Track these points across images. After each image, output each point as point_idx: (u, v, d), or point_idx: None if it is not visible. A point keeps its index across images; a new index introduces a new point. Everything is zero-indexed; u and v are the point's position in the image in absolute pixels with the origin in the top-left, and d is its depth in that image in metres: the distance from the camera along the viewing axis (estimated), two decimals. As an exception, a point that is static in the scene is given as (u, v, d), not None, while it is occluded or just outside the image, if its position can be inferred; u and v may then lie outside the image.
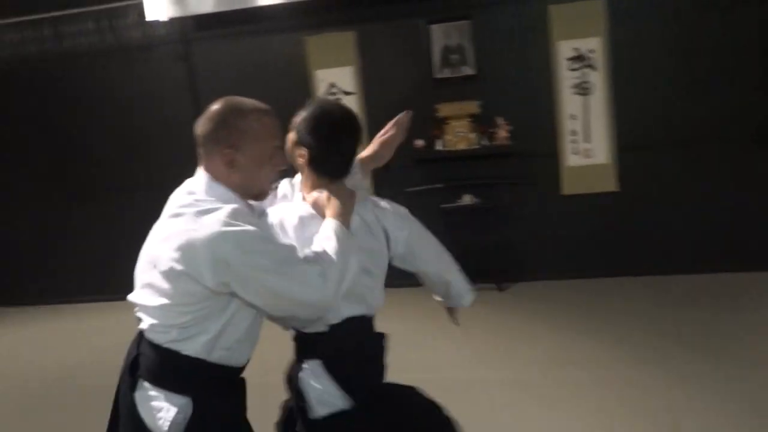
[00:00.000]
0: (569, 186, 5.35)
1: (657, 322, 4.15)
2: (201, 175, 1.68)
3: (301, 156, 1.82)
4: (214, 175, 1.66)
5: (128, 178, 5.89)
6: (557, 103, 5.30)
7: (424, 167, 5.49)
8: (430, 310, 4.92)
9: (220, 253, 1.50)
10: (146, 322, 1.64)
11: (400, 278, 5.72)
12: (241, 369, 1.76)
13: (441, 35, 5.39)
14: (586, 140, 5.31)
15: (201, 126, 1.68)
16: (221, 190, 1.64)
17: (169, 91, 5.68)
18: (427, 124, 5.31)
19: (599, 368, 3.54)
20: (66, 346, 5.01)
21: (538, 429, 3.02)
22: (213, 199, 1.61)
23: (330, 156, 1.82)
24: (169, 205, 1.67)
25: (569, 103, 5.31)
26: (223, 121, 1.65)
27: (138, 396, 1.65)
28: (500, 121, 5.26)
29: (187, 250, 1.52)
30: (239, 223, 1.54)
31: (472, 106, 5.27)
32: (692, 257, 5.15)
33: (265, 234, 1.64)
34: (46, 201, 6.06)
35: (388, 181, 5.54)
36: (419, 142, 5.35)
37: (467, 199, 5.33)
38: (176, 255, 1.53)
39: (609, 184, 5.30)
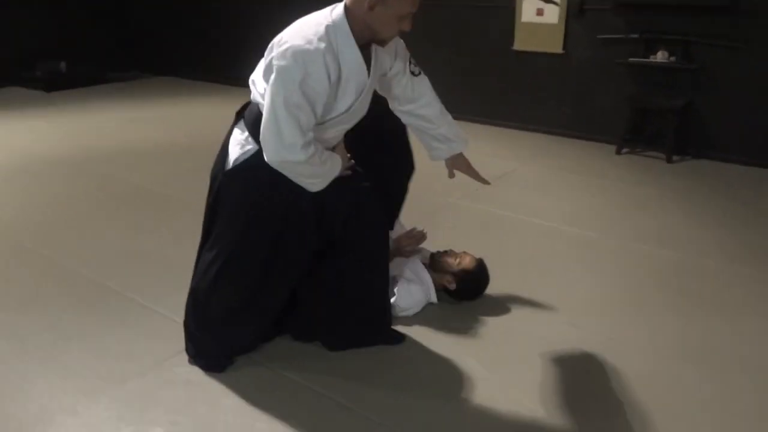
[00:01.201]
0: (798, 59, 4.45)
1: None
2: (340, 10, 1.93)
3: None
4: (352, 9, 1.91)
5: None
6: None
7: (624, 13, 4.97)
8: (569, 161, 4.86)
9: (275, 61, 1.88)
10: (251, 81, 2.10)
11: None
12: None
13: None
14: (839, 4, 4.26)
15: None
16: (346, 30, 1.91)
17: None
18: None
19: (697, 256, 3.29)
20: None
21: (579, 285, 3.02)
22: (331, 34, 1.88)
23: None
24: (301, 20, 2.03)
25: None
26: None
27: (235, 130, 2.16)
28: (728, -33, 4.44)
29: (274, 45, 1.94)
30: (306, 62, 1.83)
31: (697, -54, 4.51)
32: None
33: (308, 85, 1.86)
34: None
35: (582, 22, 5.21)
36: (623, -17, 4.84)
37: (661, 56, 4.78)
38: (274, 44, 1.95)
39: None
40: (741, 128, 4.76)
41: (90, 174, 4.57)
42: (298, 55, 1.84)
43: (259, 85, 2.03)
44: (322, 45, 1.86)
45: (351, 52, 1.92)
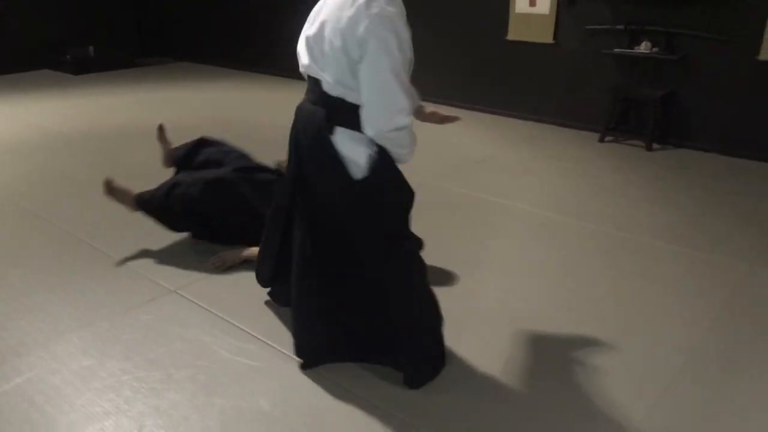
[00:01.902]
0: (776, 51, 4.52)
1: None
2: None
3: None
4: None
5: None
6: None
7: (612, 4, 5.10)
8: (552, 148, 5.03)
9: (369, 35, 1.86)
10: (326, 84, 2.00)
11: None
12: None
13: None
14: (818, -2, 4.31)
15: None
16: None
17: None
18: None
19: (646, 236, 3.46)
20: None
21: (529, 257, 3.19)
22: None
23: None
24: None
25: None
26: None
27: (337, 139, 2.03)
28: (711, -40, 4.54)
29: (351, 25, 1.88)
30: (396, 26, 1.87)
31: (682, -61, 4.61)
32: None
33: (403, 48, 1.91)
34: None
35: (573, 13, 5.35)
36: (610, -24, 4.95)
37: (644, 47, 4.89)
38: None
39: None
40: (720, 119, 4.86)
41: (98, 151, 4.95)
42: (387, 23, 1.87)
43: (334, 69, 1.97)
44: (398, 7, 1.93)
45: (402, 6, 2.00)
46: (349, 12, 1.87)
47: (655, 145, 5.05)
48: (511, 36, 5.74)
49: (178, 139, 3.54)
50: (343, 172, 2.04)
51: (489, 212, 3.82)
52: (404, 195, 2.16)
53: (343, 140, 2.03)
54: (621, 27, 5.02)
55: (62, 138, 5.25)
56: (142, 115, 6.05)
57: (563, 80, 5.59)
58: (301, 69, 2.09)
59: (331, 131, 2.03)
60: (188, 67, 8.81)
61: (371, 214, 2.12)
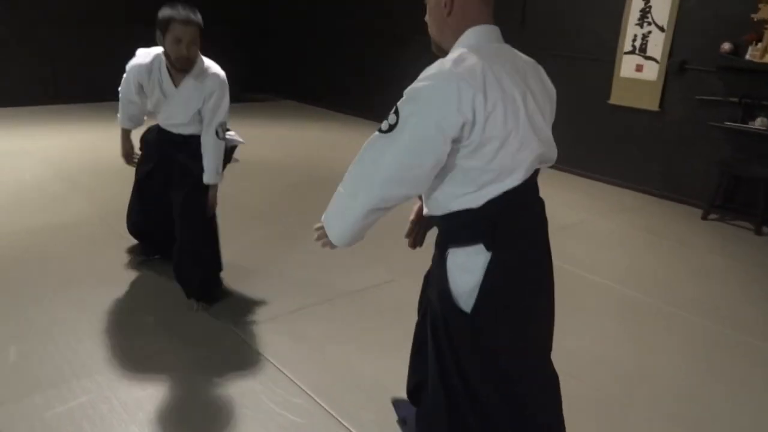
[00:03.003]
0: None
1: None
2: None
3: None
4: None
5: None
6: None
7: (725, 75, 4.80)
8: (648, 220, 4.72)
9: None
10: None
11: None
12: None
13: None
14: None
15: None
16: None
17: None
18: (743, 26, 4.57)
19: (737, 332, 3.12)
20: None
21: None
22: None
23: None
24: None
25: None
26: None
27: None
28: (843, 36, 4.18)
29: None
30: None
31: (808, 12, 4.29)
32: None
33: None
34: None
35: (682, 81, 5.09)
36: (726, 46, 4.66)
37: (759, 122, 4.54)
38: None
39: None
40: None
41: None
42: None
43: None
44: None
45: None
46: (544, 76, 1.89)
47: (765, 229, 4.64)
48: (614, 100, 5.52)
49: (259, 171, 3.63)
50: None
51: (565, 282, 3.61)
52: None
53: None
54: (735, 100, 4.70)
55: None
56: (244, 147, 6.30)
57: (667, 150, 5.29)
58: (528, 170, 1.72)
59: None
60: (293, 105, 9.18)
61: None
